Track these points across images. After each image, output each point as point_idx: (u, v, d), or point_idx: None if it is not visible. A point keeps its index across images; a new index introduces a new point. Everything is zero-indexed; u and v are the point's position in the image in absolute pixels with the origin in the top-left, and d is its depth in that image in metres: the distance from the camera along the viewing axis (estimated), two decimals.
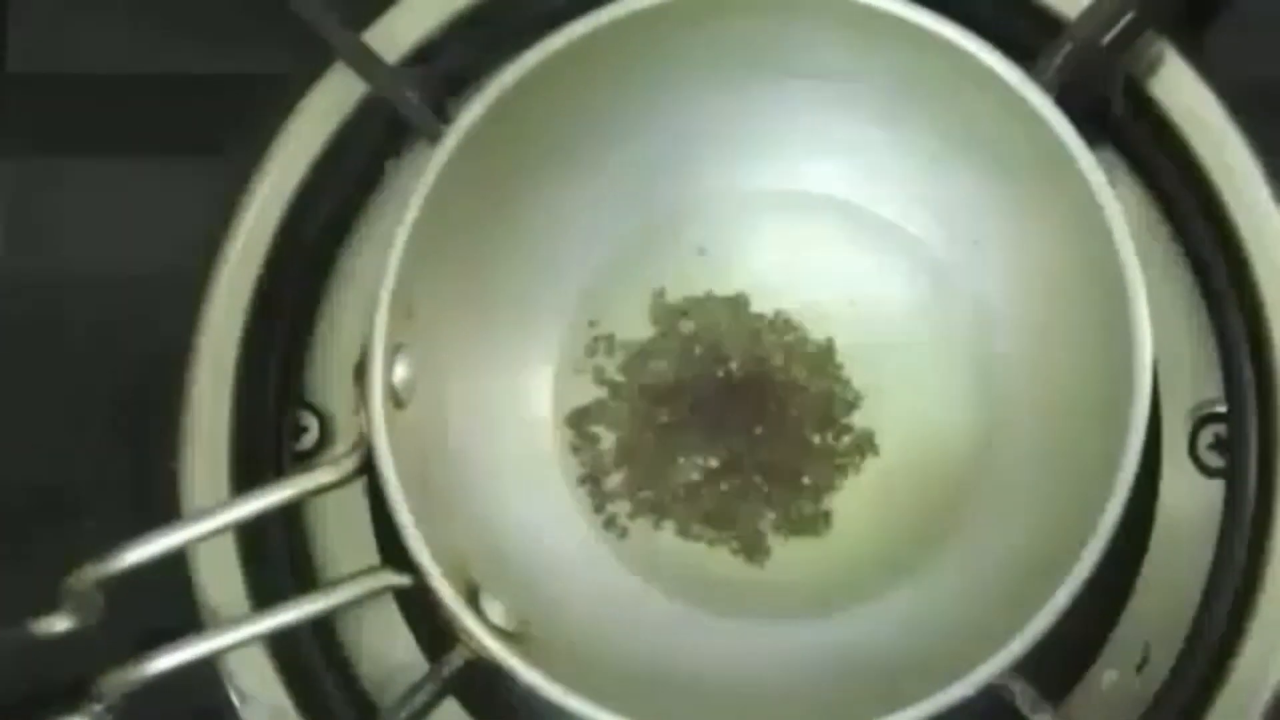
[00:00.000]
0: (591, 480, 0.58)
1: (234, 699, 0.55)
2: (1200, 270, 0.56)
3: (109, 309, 0.60)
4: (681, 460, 0.57)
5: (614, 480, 0.57)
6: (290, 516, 0.57)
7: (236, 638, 0.52)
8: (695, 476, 0.57)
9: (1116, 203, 0.50)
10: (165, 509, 0.56)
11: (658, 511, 0.57)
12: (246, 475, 0.56)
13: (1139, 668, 0.55)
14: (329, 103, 0.58)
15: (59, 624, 0.52)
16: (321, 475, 0.52)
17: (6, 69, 0.63)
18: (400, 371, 0.52)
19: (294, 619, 0.52)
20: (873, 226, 0.58)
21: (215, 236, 0.58)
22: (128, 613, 0.52)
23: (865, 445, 0.57)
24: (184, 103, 0.61)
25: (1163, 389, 0.55)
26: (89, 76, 0.62)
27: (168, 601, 0.55)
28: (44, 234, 0.62)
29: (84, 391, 0.60)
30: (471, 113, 0.53)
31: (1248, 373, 0.54)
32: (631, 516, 0.57)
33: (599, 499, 0.57)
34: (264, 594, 0.55)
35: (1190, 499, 0.55)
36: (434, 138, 0.54)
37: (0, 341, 0.61)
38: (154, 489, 0.57)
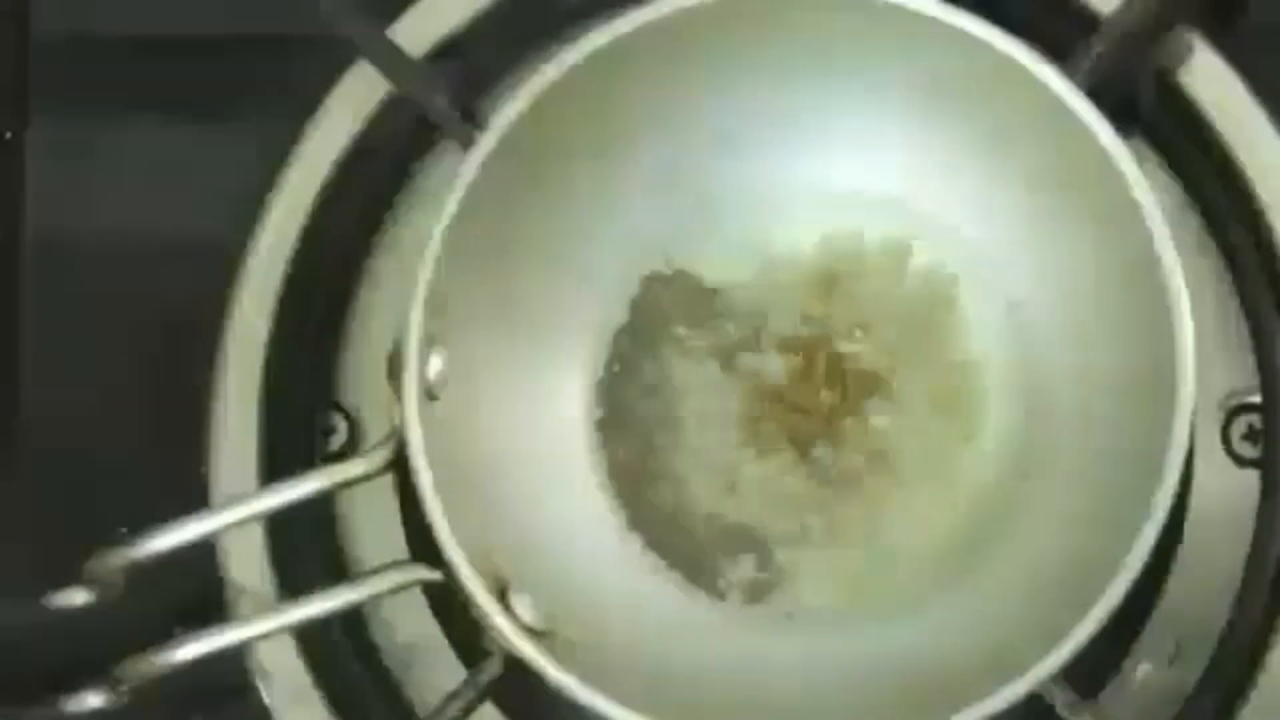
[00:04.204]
0: (622, 480, 0.57)
1: (257, 679, 0.55)
2: (1231, 260, 0.55)
3: (140, 276, 0.60)
4: (716, 462, 0.57)
5: (644, 481, 0.57)
6: (320, 510, 0.57)
7: (263, 629, 0.52)
8: (731, 478, 0.57)
9: (1156, 204, 0.50)
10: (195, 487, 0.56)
11: (689, 514, 0.57)
12: (276, 475, 0.56)
13: (1171, 660, 0.54)
14: (355, 99, 0.58)
15: (77, 597, 0.51)
16: (353, 467, 0.52)
17: (32, 32, 0.62)
18: (434, 364, 0.52)
19: (322, 611, 0.52)
20: (910, 224, 0.57)
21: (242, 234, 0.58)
22: (156, 588, 0.52)
23: (906, 445, 0.56)
24: (216, 65, 0.61)
25: (1195, 379, 0.55)
26: (117, 38, 0.62)
27: (197, 578, 0.55)
28: (74, 201, 0.61)
29: (114, 360, 0.60)
30: (508, 112, 0.52)
31: None
32: (662, 518, 0.57)
33: (629, 499, 0.57)
34: (292, 585, 0.55)
35: (1224, 490, 0.55)
36: (463, 141, 0.54)
37: (30, 309, 0.61)
38: (184, 468, 0.57)
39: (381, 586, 0.52)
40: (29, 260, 0.62)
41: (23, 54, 0.62)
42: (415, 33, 0.57)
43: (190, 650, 0.51)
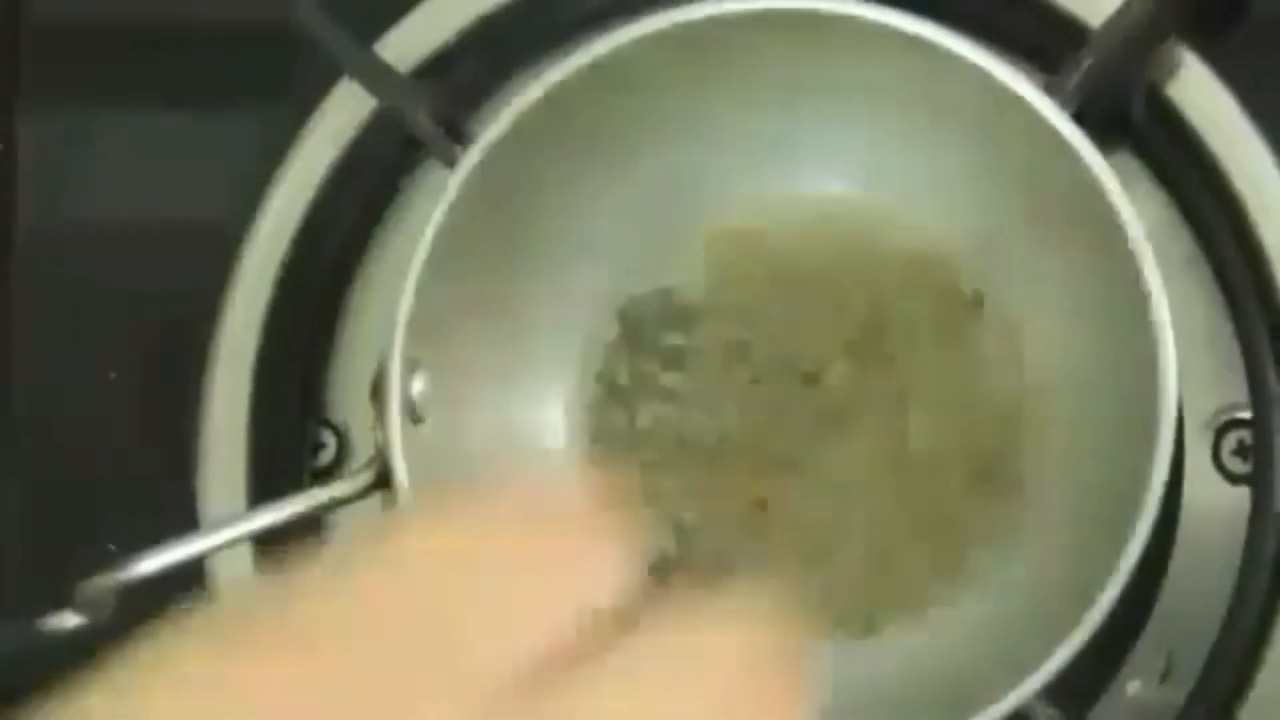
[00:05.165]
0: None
1: None
2: (1221, 274, 0.55)
3: (136, 264, 0.60)
4: (706, 483, 0.57)
5: (635, 503, 0.56)
6: (309, 531, 0.56)
7: None
8: (723, 500, 0.56)
9: (1141, 229, 0.50)
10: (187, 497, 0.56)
11: (681, 536, 0.56)
12: (264, 491, 0.56)
13: (1163, 677, 0.54)
14: (351, 107, 0.57)
15: (69, 620, 0.51)
16: (337, 489, 0.52)
17: (27, 19, 0.62)
18: (417, 387, 0.52)
19: None
20: (906, 242, 0.57)
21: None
22: (146, 599, 0.51)
23: (903, 464, 0.56)
24: (215, 54, 0.60)
25: (1184, 395, 0.54)
26: (112, 25, 0.62)
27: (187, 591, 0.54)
28: (69, 190, 0.61)
29: (109, 356, 0.60)
30: (491, 131, 0.52)
31: (1272, 377, 0.53)
32: (654, 541, 0.56)
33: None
34: None
35: (1214, 507, 0.55)
36: (447, 159, 0.54)
37: (24, 298, 0.61)
38: (180, 465, 0.57)
39: None
40: (21, 253, 0.61)
41: (13, 42, 0.62)
42: (404, 48, 0.57)
43: None
